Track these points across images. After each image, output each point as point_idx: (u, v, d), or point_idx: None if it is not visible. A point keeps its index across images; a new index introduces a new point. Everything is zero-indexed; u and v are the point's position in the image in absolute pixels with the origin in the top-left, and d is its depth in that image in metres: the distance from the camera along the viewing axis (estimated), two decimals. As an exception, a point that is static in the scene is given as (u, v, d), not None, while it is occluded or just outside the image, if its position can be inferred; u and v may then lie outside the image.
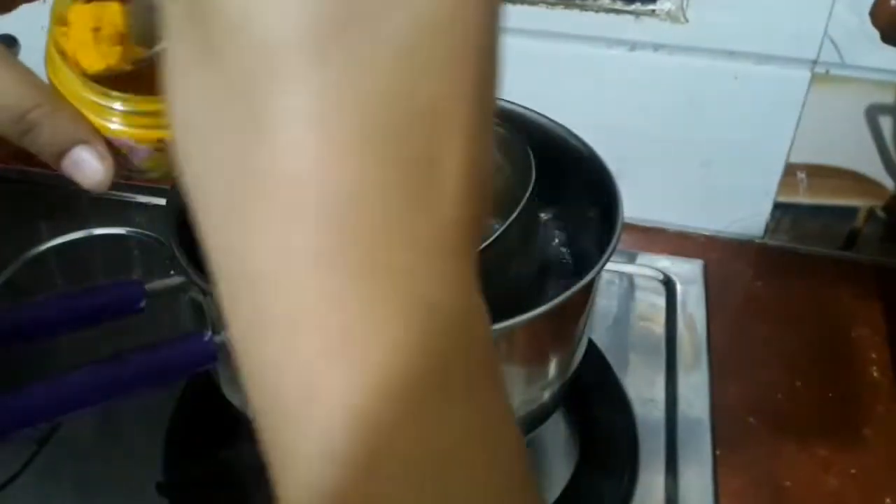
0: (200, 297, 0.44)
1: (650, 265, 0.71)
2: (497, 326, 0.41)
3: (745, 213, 0.74)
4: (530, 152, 0.49)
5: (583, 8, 0.67)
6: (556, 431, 0.58)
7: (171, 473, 0.53)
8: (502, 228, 0.45)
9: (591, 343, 0.58)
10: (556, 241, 0.56)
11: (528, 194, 0.47)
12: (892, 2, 0.61)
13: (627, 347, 0.64)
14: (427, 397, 0.19)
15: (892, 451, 0.59)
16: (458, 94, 0.19)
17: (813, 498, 0.56)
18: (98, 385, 0.39)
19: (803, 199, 0.72)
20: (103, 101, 0.35)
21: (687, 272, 0.70)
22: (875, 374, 0.64)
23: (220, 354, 0.42)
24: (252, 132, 0.18)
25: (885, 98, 0.66)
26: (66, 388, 0.38)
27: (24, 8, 0.75)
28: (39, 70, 0.37)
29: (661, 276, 0.70)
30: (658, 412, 0.59)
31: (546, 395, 0.49)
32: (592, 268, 0.45)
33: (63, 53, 0.36)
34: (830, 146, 0.69)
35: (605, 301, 0.67)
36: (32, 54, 0.70)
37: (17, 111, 0.34)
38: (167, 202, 0.48)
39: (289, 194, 0.18)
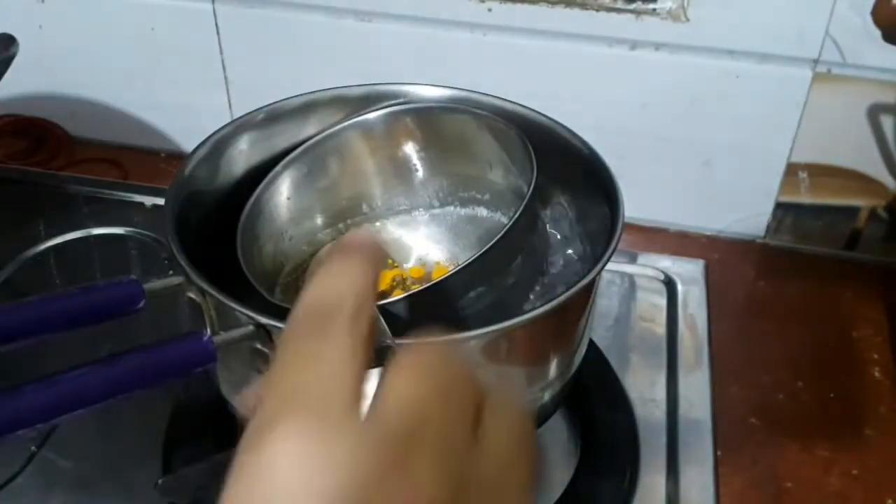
0: (199, 297, 0.44)
1: (651, 265, 0.71)
2: (498, 326, 0.41)
3: (747, 213, 0.74)
4: (531, 150, 0.49)
5: (583, 7, 0.66)
6: (557, 432, 0.58)
7: (171, 473, 0.53)
8: (506, 227, 0.45)
9: (591, 343, 0.58)
10: (559, 238, 0.55)
11: (529, 192, 0.47)
12: (894, 1, 0.61)
13: (628, 348, 0.64)
14: None
15: (894, 451, 0.59)
16: None
17: (814, 499, 0.56)
18: (96, 385, 0.39)
19: (805, 198, 0.72)
20: None
21: (688, 272, 0.70)
22: (877, 374, 0.64)
23: (218, 354, 0.41)
24: None
25: (887, 97, 0.66)
26: (64, 389, 0.38)
27: (20, 7, 0.75)
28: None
29: (663, 277, 0.70)
30: (659, 412, 0.59)
31: (546, 396, 0.49)
32: (593, 268, 0.45)
33: None
34: (832, 146, 0.69)
35: (605, 301, 0.67)
36: (29, 53, 0.70)
37: None
38: (166, 202, 0.48)
39: None
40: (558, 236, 0.55)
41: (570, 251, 0.55)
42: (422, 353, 0.24)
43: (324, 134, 0.55)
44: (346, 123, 0.55)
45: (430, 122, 0.55)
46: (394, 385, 0.23)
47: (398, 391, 0.23)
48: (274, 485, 0.21)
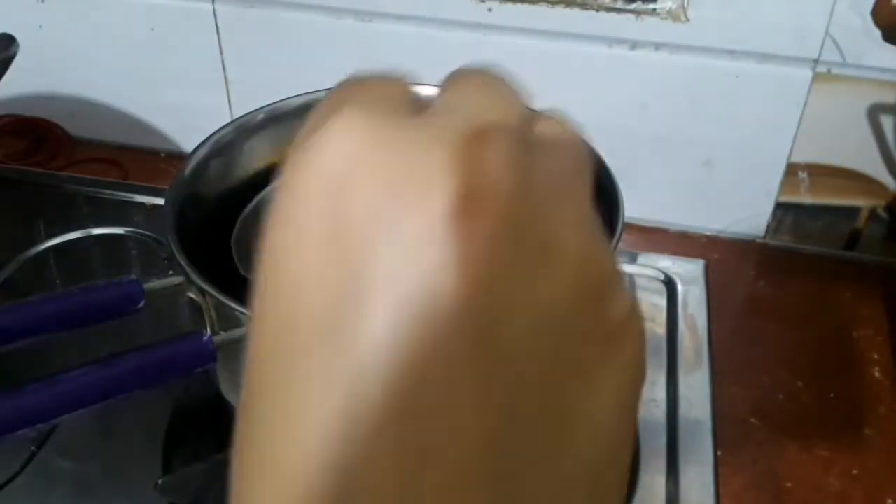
0: (199, 297, 0.44)
1: (651, 265, 0.71)
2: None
3: (747, 213, 0.74)
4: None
5: (583, 7, 0.66)
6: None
7: (171, 473, 0.53)
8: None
9: (591, 343, 0.58)
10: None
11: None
12: (894, 1, 0.61)
13: (628, 348, 0.64)
14: None
15: (894, 451, 0.59)
16: None
17: (814, 498, 0.56)
18: (96, 385, 0.39)
19: (805, 198, 0.72)
20: None
21: (688, 272, 0.70)
22: (877, 374, 0.64)
23: (218, 354, 0.41)
24: None
25: (887, 97, 0.66)
26: (64, 388, 0.38)
27: (21, 7, 0.75)
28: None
29: (662, 277, 0.70)
30: (659, 412, 0.59)
31: (546, 396, 0.49)
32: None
33: None
34: (832, 146, 0.69)
35: (605, 301, 0.67)
36: (29, 53, 0.70)
37: None
38: (166, 202, 0.48)
39: None
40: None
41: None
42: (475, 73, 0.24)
43: None
44: None
45: None
46: (454, 89, 0.23)
47: (458, 89, 0.23)
48: (340, 153, 0.20)
